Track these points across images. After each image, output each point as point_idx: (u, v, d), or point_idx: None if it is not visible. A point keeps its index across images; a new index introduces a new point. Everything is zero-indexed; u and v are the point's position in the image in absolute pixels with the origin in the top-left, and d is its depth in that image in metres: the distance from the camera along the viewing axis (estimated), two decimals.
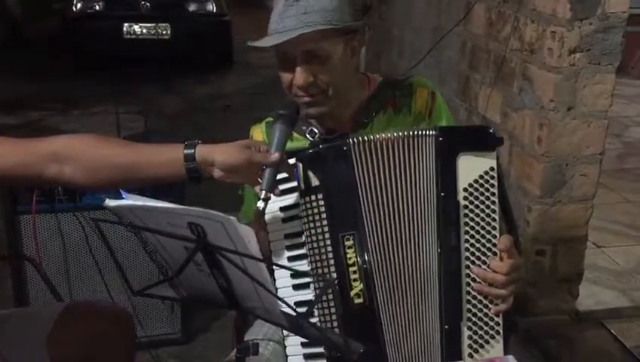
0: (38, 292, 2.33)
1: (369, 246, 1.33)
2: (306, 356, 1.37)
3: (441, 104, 1.54)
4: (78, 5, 6.91)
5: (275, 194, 1.28)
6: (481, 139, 1.35)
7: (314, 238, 1.36)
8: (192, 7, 7.16)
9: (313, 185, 1.36)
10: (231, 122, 5.44)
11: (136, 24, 6.90)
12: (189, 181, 1.27)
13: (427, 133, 1.34)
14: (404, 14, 4.17)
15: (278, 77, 1.46)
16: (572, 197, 2.56)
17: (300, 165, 1.36)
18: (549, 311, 2.70)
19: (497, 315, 1.33)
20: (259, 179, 1.28)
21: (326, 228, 1.35)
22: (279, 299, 1.13)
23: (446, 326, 1.33)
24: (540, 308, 2.70)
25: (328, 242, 1.34)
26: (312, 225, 1.35)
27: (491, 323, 1.33)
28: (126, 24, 6.88)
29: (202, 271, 1.14)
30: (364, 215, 1.34)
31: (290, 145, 1.43)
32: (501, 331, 1.33)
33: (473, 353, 1.32)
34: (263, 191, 1.25)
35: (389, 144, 1.34)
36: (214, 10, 7.20)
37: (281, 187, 1.36)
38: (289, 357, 1.39)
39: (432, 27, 3.63)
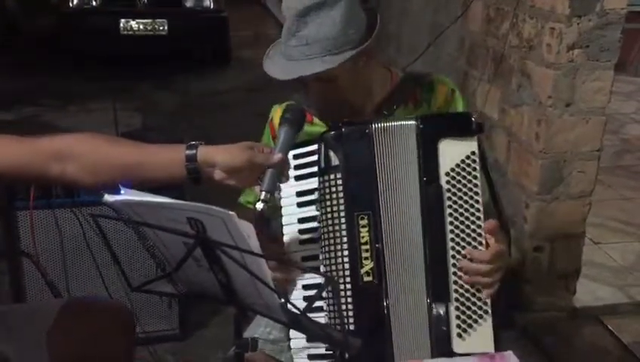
0: (35, 288, 2.32)
1: (382, 227, 1.37)
2: (309, 339, 1.39)
3: (459, 101, 1.57)
4: (75, 1, 6.87)
5: (276, 197, 1.29)
6: (461, 125, 1.37)
7: (329, 216, 1.39)
8: (189, 3, 7.13)
9: (333, 164, 1.40)
10: (228, 118, 5.43)
11: (133, 20, 6.87)
12: (190, 182, 1.27)
13: (407, 122, 1.38)
14: (401, 10, 4.16)
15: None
16: (570, 193, 2.56)
17: (323, 145, 1.40)
18: (547, 308, 2.71)
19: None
20: (259, 181, 1.29)
21: (342, 207, 1.38)
22: (279, 294, 1.13)
23: (433, 306, 1.35)
24: (537, 304, 2.70)
25: (343, 220, 1.38)
26: (328, 203, 1.39)
27: (479, 303, 1.35)
28: (123, 20, 6.85)
29: (201, 266, 1.14)
30: (380, 196, 1.38)
31: (312, 129, 1.50)
32: (489, 310, 1.34)
33: (462, 333, 1.34)
34: (263, 193, 1.26)
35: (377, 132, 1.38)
36: (211, 7, 7.17)
37: (301, 172, 1.42)
38: (292, 340, 1.42)
39: (430, 23, 3.63)
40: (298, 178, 1.43)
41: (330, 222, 1.39)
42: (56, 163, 1.26)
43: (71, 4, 6.88)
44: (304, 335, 1.38)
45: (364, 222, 1.37)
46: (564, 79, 2.39)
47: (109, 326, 1.56)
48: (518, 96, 2.62)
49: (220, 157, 1.25)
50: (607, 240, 3.34)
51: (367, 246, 1.37)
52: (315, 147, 1.41)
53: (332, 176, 1.39)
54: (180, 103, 6.07)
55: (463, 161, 1.35)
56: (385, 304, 1.36)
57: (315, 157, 1.42)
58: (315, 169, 1.41)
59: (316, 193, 1.41)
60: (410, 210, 1.37)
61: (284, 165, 1.29)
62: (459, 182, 1.35)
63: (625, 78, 6.12)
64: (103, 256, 2.28)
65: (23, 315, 1.57)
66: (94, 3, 6.91)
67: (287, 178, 1.35)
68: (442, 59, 3.40)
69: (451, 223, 1.35)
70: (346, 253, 1.38)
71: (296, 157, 1.41)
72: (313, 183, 1.42)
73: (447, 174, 1.36)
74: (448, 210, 1.35)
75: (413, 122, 1.38)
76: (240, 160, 1.25)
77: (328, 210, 1.39)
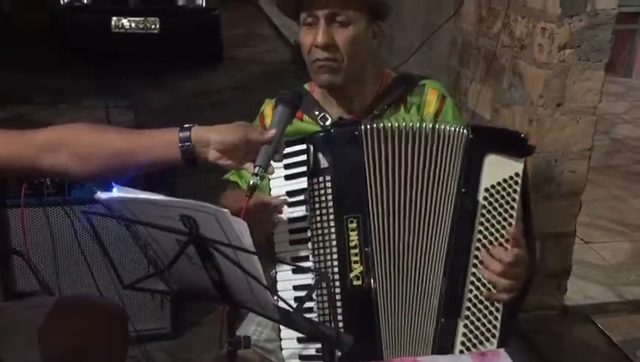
0: (26, 286, 2.31)
1: (372, 231, 1.36)
2: (300, 339, 1.39)
3: (450, 107, 1.57)
4: None
5: (268, 173, 1.27)
6: (512, 144, 1.35)
7: (318, 218, 1.38)
8: (181, 2, 7.10)
9: (322, 166, 1.39)
10: (220, 117, 5.41)
11: (125, 18, 6.84)
12: (185, 164, 1.25)
13: (459, 130, 1.36)
14: (394, 10, 4.17)
15: (294, 55, 1.49)
16: (560, 192, 2.57)
17: (311, 146, 1.39)
18: (537, 306, 2.72)
19: (496, 319, 1.33)
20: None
21: (331, 210, 1.37)
22: (272, 292, 1.14)
23: (442, 320, 1.34)
24: (528, 303, 2.70)
25: (332, 223, 1.37)
26: (317, 205, 1.38)
27: (489, 326, 1.33)
28: (114, 18, 6.82)
29: (194, 264, 1.14)
30: (370, 200, 1.36)
31: (301, 125, 1.50)
32: (497, 334, 1.33)
33: (465, 350, 1.33)
34: (257, 167, 1.24)
35: (414, 134, 1.36)
36: (204, 5, 7.15)
37: (290, 171, 1.41)
38: (283, 341, 1.41)
39: (423, 23, 3.64)
40: (288, 177, 1.42)
41: (319, 224, 1.38)
42: (47, 154, 1.24)
43: (62, 2, 6.85)
44: (295, 336, 1.38)
45: (354, 225, 1.36)
46: (555, 79, 2.40)
47: (102, 324, 1.55)
48: (510, 96, 2.63)
49: (214, 135, 1.24)
50: (598, 240, 3.36)
51: (357, 250, 1.36)
52: (304, 146, 1.40)
53: (321, 179, 1.38)
54: (172, 101, 6.06)
55: (505, 181, 1.32)
56: (375, 308, 1.35)
57: (304, 157, 1.41)
58: (304, 168, 1.40)
59: (306, 193, 1.40)
60: (439, 218, 1.35)
61: (278, 143, 1.28)
62: (496, 200, 1.33)
63: (616, 79, 6.16)
64: (94, 254, 2.27)
65: (14, 313, 1.56)
66: (85, 1, 6.88)
67: (282, 156, 1.33)
68: (434, 58, 3.41)
69: (479, 241, 1.33)
70: (335, 256, 1.37)
71: (285, 156, 1.40)
72: (303, 183, 1.41)
73: (487, 190, 1.33)
74: (479, 227, 1.33)
75: (463, 130, 1.35)
76: (234, 136, 1.24)
77: (317, 212, 1.38)
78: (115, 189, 1.16)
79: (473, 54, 2.96)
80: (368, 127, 1.38)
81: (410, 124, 1.37)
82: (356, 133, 1.38)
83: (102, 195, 1.13)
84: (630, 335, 2.67)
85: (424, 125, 1.37)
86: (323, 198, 1.38)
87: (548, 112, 2.45)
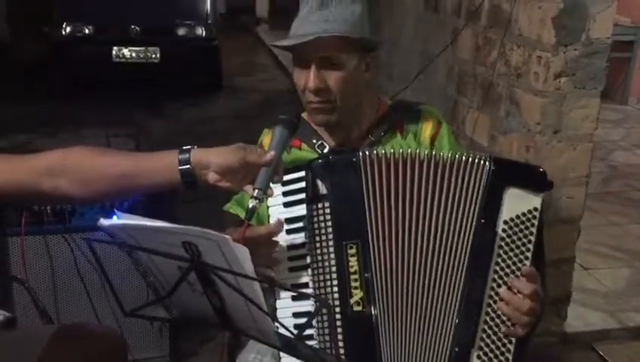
0: (25, 314, 2.31)
1: (372, 257, 1.36)
2: None
3: (446, 132, 1.58)
4: (67, 29, 6.92)
5: (268, 195, 1.28)
6: (532, 179, 1.37)
7: (317, 245, 1.38)
8: (181, 32, 7.19)
9: (321, 193, 1.40)
10: (219, 145, 5.43)
11: (126, 48, 6.92)
12: (185, 187, 1.26)
13: (481, 161, 1.37)
14: (392, 39, 4.22)
15: (292, 84, 1.51)
16: (559, 219, 2.58)
17: (310, 173, 1.40)
18: (538, 333, 2.67)
19: (508, 351, 1.33)
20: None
21: (330, 236, 1.37)
22: (273, 319, 1.14)
23: (456, 349, 1.33)
24: None
25: (332, 249, 1.37)
26: (316, 231, 1.38)
27: (501, 357, 1.33)
28: (115, 48, 6.90)
29: (195, 291, 1.14)
30: (369, 226, 1.36)
31: (299, 153, 1.51)
32: None
33: None
34: (256, 190, 1.25)
35: (421, 162, 1.37)
36: (204, 35, 7.24)
37: (289, 199, 1.41)
38: None
39: (420, 52, 3.69)
40: (286, 205, 1.42)
41: (319, 251, 1.38)
42: (48, 178, 1.25)
43: (63, 32, 6.93)
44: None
45: (353, 251, 1.36)
46: (551, 106, 2.43)
47: (101, 352, 1.55)
48: (507, 124, 2.65)
49: (214, 157, 1.26)
50: (597, 266, 3.36)
51: (357, 276, 1.36)
52: (302, 173, 1.41)
53: (320, 205, 1.39)
54: (172, 130, 6.09)
55: (524, 214, 1.33)
56: (377, 335, 1.35)
57: (303, 184, 1.41)
58: (303, 196, 1.41)
59: (305, 221, 1.40)
60: (454, 248, 1.35)
61: (277, 165, 1.29)
62: (515, 233, 1.34)
63: (612, 106, 6.22)
64: (93, 282, 2.27)
65: (13, 341, 1.56)
66: (87, 31, 6.96)
67: (281, 178, 1.34)
68: (432, 87, 3.44)
69: (496, 272, 1.33)
70: (335, 282, 1.37)
71: (284, 183, 1.40)
72: (301, 210, 1.41)
73: (506, 223, 1.34)
74: (497, 259, 1.33)
75: (485, 162, 1.36)
76: (233, 159, 1.25)
77: (317, 238, 1.38)
78: (116, 216, 1.18)
79: (470, 82, 3.00)
80: (367, 153, 1.39)
81: (417, 151, 1.38)
82: (354, 159, 1.39)
83: (105, 222, 1.14)
84: None
85: (450, 155, 1.37)
86: (322, 225, 1.38)
87: (545, 139, 2.47)
